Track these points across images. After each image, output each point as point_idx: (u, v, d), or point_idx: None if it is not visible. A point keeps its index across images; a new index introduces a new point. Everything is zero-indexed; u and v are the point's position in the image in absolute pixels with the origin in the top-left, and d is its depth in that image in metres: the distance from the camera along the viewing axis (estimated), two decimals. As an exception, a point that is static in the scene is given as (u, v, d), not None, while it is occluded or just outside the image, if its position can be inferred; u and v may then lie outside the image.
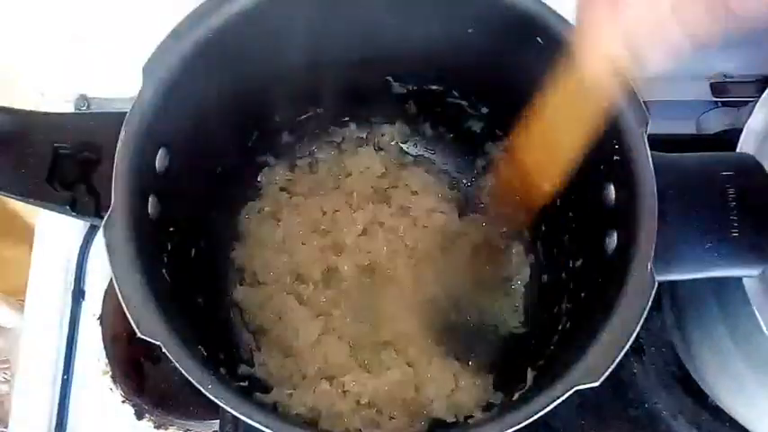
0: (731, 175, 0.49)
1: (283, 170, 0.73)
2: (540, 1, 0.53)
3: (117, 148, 0.48)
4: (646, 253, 0.47)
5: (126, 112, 0.49)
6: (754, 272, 0.48)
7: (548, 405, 0.44)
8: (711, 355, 0.63)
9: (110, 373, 0.75)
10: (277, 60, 0.61)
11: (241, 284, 0.69)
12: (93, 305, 0.77)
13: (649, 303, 0.46)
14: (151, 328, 0.45)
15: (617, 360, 0.45)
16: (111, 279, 0.45)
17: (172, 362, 0.44)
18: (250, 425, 0.44)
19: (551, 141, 0.50)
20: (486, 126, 0.71)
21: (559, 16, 0.53)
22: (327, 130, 0.74)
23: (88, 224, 0.78)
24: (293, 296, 0.67)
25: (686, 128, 0.84)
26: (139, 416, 0.73)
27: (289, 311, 0.66)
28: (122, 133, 0.49)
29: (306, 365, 0.64)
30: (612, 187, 0.53)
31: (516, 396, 0.57)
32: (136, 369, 0.75)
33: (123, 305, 0.45)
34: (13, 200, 0.51)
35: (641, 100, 0.50)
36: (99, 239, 0.75)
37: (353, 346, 0.65)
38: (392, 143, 0.75)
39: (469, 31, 0.59)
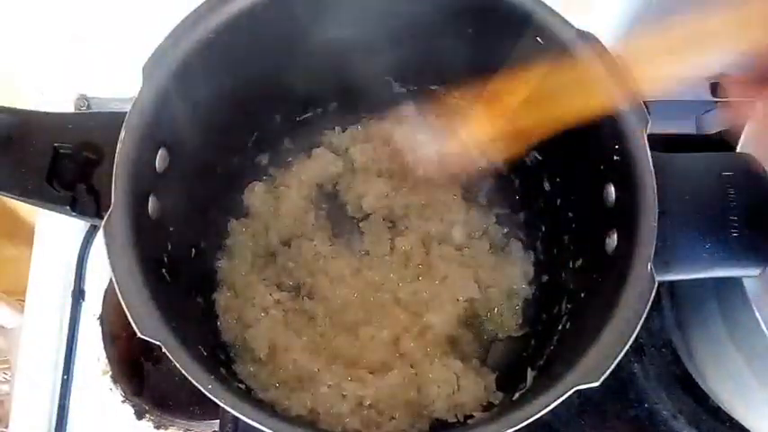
0: (731, 175, 0.49)
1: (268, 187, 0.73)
2: (541, 1, 0.53)
3: (117, 148, 0.48)
4: (646, 253, 0.47)
5: (126, 112, 0.49)
6: (754, 272, 0.48)
7: (548, 405, 0.44)
8: (711, 356, 0.63)
9: (110, 373, 0.75)
10: (277, 60, 0.61)
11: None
12: (93, 305, 0.77)
13: (649, 303, 0.46)
14: (151, 328, 0.45)
15: (617, 360, 0.45)
16: (111, 279, 0.45)
17: (172, 362, 0.44)
18: (250, 425, 0.44)
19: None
20: (486, 126, 0.71)
21: (559, 16, 0.53)
22: (327, 130, 0.74)
23: (88, 224, 0.78)
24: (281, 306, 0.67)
25: (686, 128, 0.84)
26: (139, 416, 0.73)
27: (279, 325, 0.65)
28: (122, 133, 0.49)
29: (301, 370, 0.63)
30: (612, 187, 0.53)
31: (516, 396, 0.57)
32: (136, 369, 0.75)
33: (123, 305, 0.45)
34: (13, 200, 0.51)
35: (641, 100, 0.50)
36: (99, 239, 0.75)
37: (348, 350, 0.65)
38: (392, 143, 0.74)
39: (469, 31, 0.59)
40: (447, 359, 0.64)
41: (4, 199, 0.64)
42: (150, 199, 0.52)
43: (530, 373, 0.58)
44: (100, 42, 0.75)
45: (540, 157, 0.67)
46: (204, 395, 0.44)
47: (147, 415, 0.73)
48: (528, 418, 0.44)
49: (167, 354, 0.44)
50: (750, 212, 0.48)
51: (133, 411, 0.73)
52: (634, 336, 0.45)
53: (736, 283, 0.50)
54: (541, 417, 0.44)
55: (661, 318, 0.71)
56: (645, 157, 0.49)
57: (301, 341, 0.65)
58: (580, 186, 0.60)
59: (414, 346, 0.64)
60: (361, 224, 0.72)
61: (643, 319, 0.45)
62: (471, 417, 0.61)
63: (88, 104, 0.84)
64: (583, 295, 0.57)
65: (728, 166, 0.50)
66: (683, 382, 0.69)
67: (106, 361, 0.75)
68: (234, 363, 0.64)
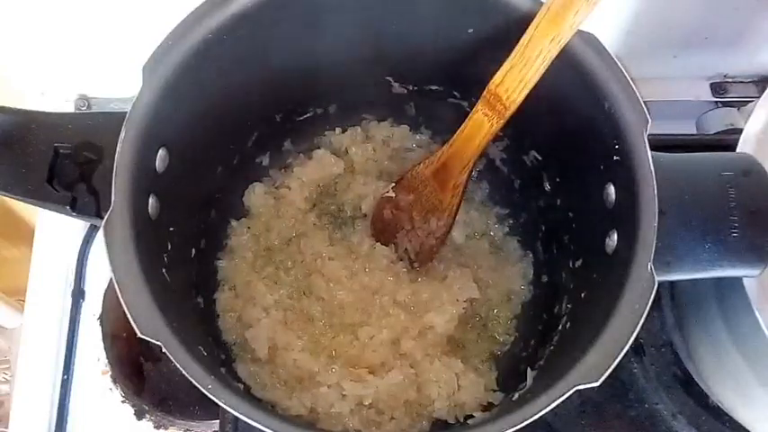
0: (731, 175, 0.49)
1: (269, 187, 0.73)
2: (540, 1, 0.53)
3: (117, 148, 0.48)
4: (646, 253, 0.47)
5: (126, 112, 0.49)
6: (754, 272, 0.48)
7: (548, 405, 0.44)
8: (711, 355, 0.63)
9: (110, 373, 0.75)
10: (277, 60, 0.61)
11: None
12: (93, 305, 0.77)
13: (649, 303, 0.46)
14: (151, 328, 0.45)
15: (617, 360, 0.45)
16: (111, 279, 0.45)
17: (172, 362, 0.44)
18: (250, 425, 0.44)
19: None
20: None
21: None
22: (327, 130, 0.74)
23: (88, 224, 0.78)
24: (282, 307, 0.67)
25: (686, 128, 0.84)
26: (139, 416, 0.73)
27: (279, 326, 0.65)
28: (122, 133, 0.49)
29: (301, 370, 0.63)
30: (612, 187, 0.53)
31: (516, 396, 0.57)
32: (136, 369, 0.75)
33: (123, 305, 0.45)
34: (13, 200, 0.51)
35: (641, 100, 0.50)
36: (99, 239, 0.75)
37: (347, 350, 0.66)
38: (392, 144, 0.74)
39: (469, 31, 0.59)
40: (447, 359, 0.64)
41: (4, 199, 0.64)
42: (150, 199, 0.52)
43: (530, 373, 0.58)
44: (100, 42, 0.75)
45: (539, 157, 0.67)
46: (204, 395, 0.44)
47: (147, 415, 0.73)
48: (528, 418, 0.44)
49: (167, 354, 0.44)
50: (750, 212, 0.48)
51: (133, 411, 0.74)
52: (634, 336, 0.45)
53: (736, 283, 0.50)
54: (541, 417, 0.44)
55: (661, 318, 0.71)
56: (645, 157, 0.49)
57: (301, 341, 0.65)
58: (580, 186, 0.60)
59: (414, 346, 0.64)
60: (361, 225, 0.72)
61: (643, 319, 0.45)
62: (471, 417, 0.61)
63: (88, 104, 0.84)
64: (583, 295, 0.57)
65: (728, 166, 0.50)
66: (683, 382, 0.69)
67: (106, 361, 0.75)
68: (234, 363, 0.64)
